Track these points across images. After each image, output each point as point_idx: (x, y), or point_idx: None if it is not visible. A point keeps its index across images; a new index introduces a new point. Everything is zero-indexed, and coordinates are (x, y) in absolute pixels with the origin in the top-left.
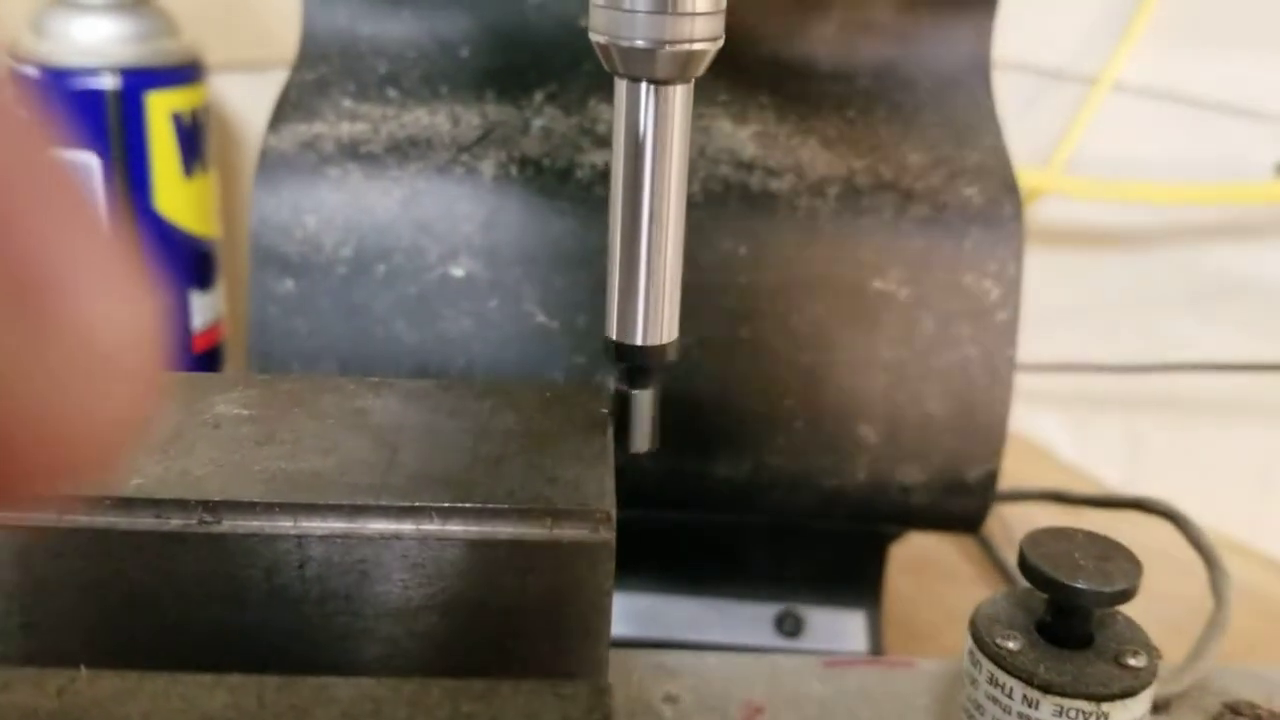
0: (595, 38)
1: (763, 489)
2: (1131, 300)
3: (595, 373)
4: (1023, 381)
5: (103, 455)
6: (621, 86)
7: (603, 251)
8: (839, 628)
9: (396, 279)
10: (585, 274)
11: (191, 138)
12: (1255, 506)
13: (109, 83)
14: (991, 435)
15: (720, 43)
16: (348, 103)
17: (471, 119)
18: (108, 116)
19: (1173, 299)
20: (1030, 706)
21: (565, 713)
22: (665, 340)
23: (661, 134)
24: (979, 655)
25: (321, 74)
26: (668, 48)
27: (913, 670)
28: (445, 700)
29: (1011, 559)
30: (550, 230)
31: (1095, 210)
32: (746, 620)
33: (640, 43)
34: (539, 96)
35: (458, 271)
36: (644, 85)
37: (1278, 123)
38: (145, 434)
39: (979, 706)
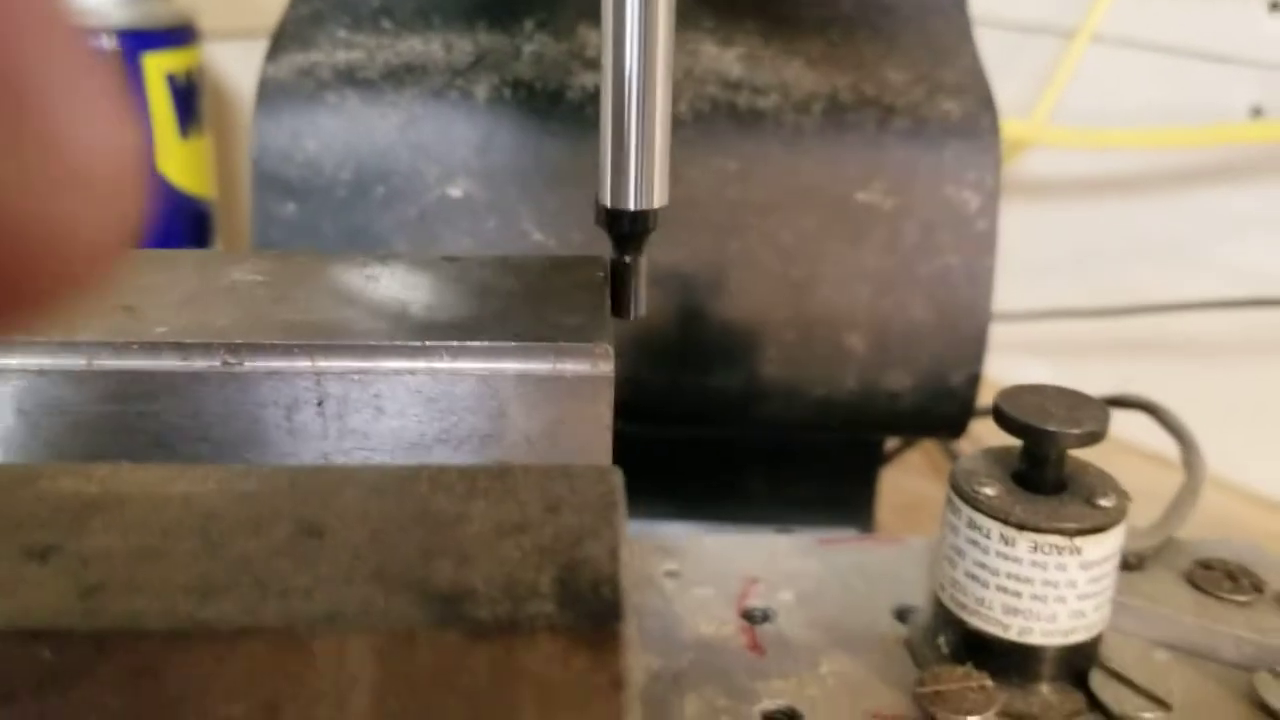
0: None
1: (757, 400)
2: (1115, 246)
3: None
4: (1010, 331)
5: (89, 272)
6: None
7: (595, 171)
8: None
9: (395, 200)
10: (579, 192)
11: (186, 99)
12: (1240, 442)
13: (105, 44)
14: (974, 340)
15: None
16: (343, 33)
17: (464, 46)
18: None
19: (1155, 243)
20: (1008, 545)
21: (574, 486)
22: (657, 205)
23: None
24: (958, 503)
25: (316, 8)
26: None
27: (902, 545)
28: (462, 479)
29: None
30: (544, 150)
31: (1078, 160)
32: None
33: None
34: (529, 24)
35: (455, 192)
36: None
37: (1252, 67)
38: (129, 256)
39: (959, 551)
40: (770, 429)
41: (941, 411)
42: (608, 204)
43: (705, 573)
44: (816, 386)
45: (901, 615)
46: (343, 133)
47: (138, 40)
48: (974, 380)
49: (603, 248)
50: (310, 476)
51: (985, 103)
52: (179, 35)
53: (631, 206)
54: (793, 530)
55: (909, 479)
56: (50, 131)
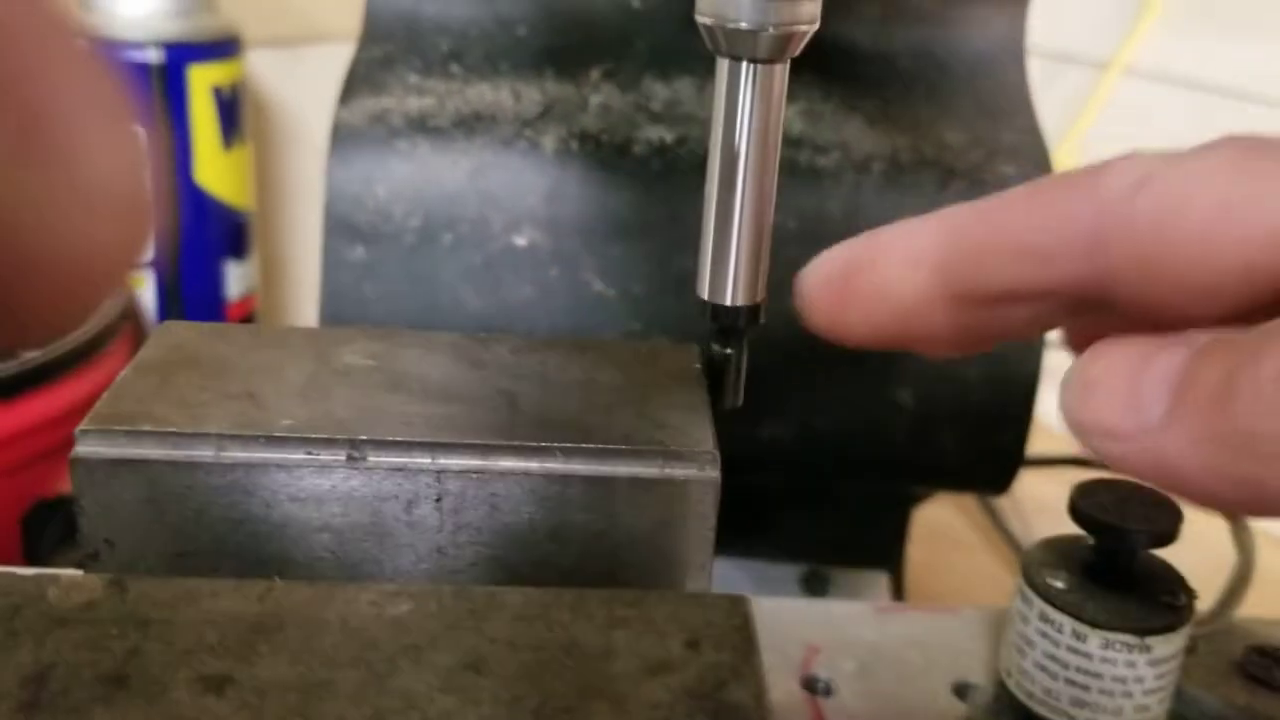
0: (701, 19)
1: (807, 451)
2: None
3: (650, 338)
4: None
5: (102, 282)
6: (723, 65)
7: (658, 224)
8: (863, 587)
9: (462, 248)
10: (641, 244)
11: (230, 111)
12: None
13: (153, 56)
14: (1021, 399)
15: (817, 25)
16: (414, 78)
17: (532, 95)
18: (151, 89)
19: None
20: (1079, 640)
21: (708, 617)
22: (756, 300)
23: (761, 110)
24: (1030, 594)
25: (386, 51)
26: (770, 30)
27: (957, 616)
28: (601, 606)
29: (1018, 528)
30: (609, 202)
31: None
32: (774, 579)
33: (745, 25)
34: (595, 74)
35: (520, 241)
36: (745, 64)
37: None
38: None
39: (1029, 642)
40: (817, 479)
41: (987, 468)
42: (705, 298)
43: (767, 638)
44: (865, 440)
45: (959, 692)
46: (413, 180)
47: (184, 53)
48: (1021, 439)
49: (663, 302)
50: (456, 599)
51: (1042, 165)
52: (224, 48)
53: (729, 301)
54: (821, 569)
55: (930, 509)
56: (60, 151)
